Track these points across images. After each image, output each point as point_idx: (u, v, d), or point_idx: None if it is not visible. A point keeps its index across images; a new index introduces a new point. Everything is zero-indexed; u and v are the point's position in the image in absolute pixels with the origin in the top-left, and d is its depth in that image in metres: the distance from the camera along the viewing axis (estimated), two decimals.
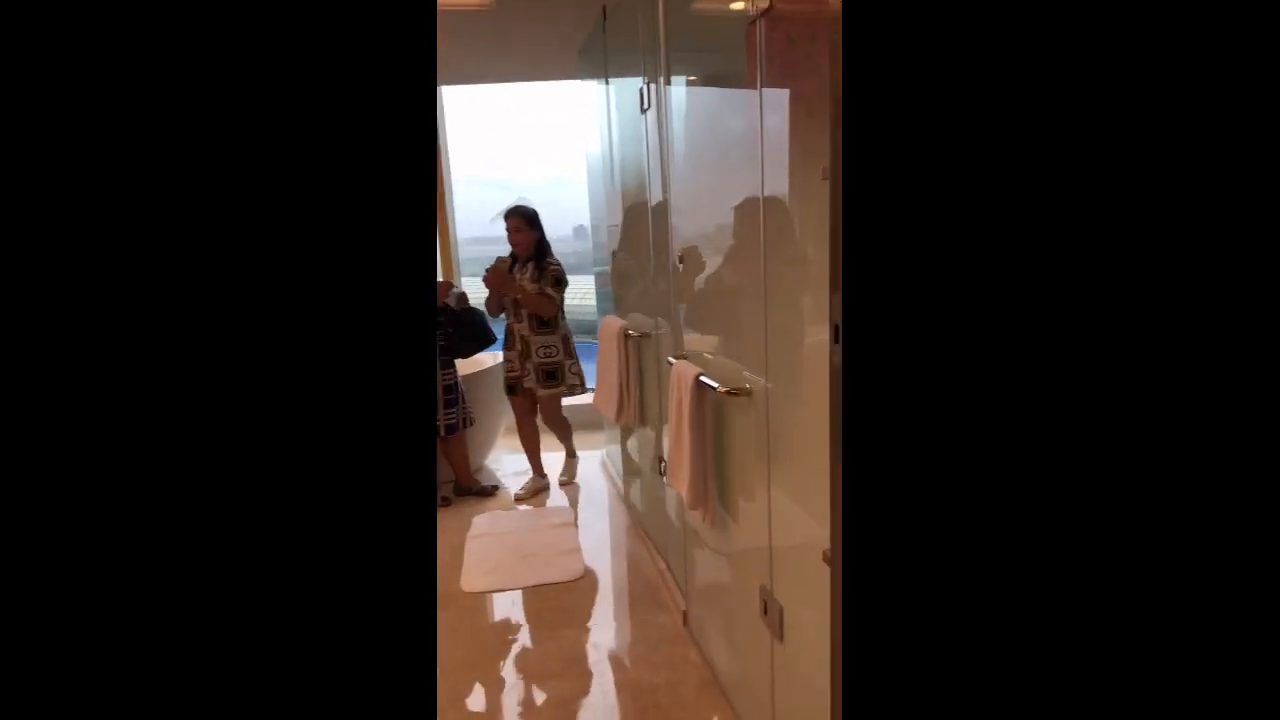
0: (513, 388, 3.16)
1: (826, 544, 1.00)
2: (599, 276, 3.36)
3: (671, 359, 1.80)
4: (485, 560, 2.58)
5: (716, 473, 1.63)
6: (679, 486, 1.68)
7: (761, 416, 1.35)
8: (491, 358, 3.52)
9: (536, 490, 3.25)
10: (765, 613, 1.43)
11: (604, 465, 3.61)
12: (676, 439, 1.67)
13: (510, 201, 3.06)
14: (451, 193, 4.21)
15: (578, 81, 3.36)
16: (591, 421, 3.77)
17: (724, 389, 1.44)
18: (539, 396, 3.12)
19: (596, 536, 2.79)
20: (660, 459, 2.24)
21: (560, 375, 3.12)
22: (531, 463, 3.32)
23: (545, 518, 2.95)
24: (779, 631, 1.37)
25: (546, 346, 3.07)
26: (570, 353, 3.14)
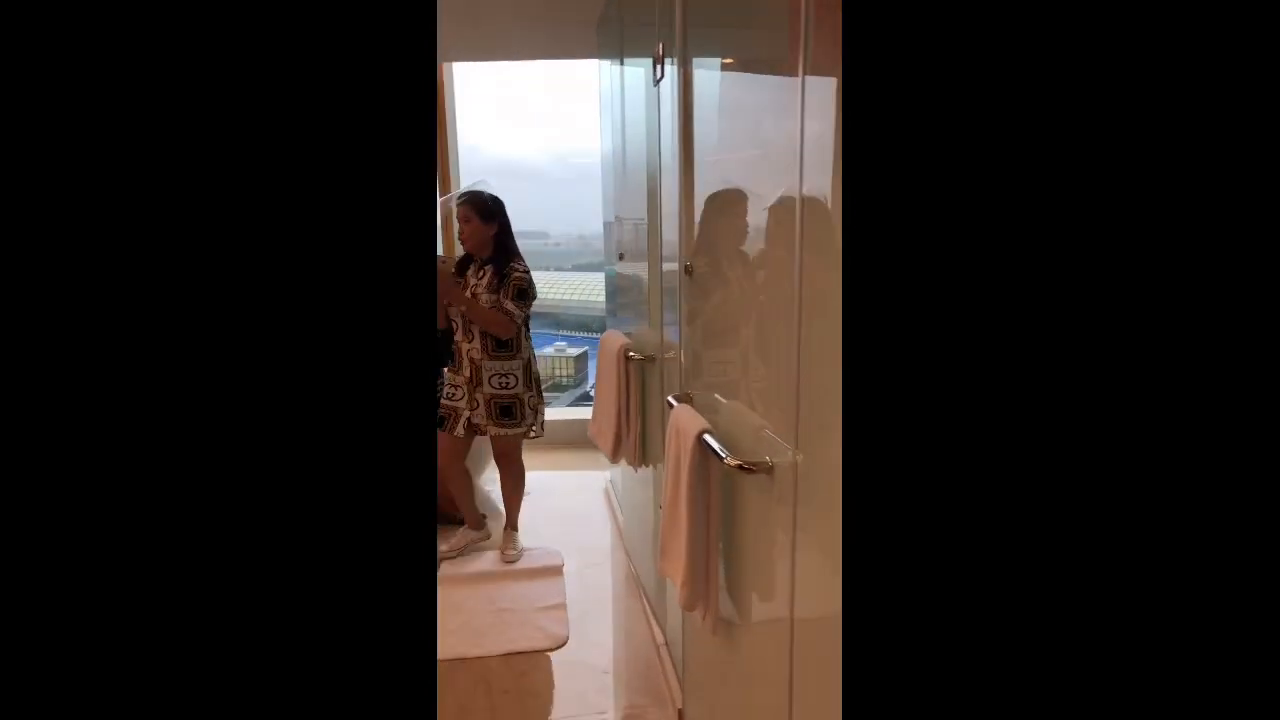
0: (443, 419, 2.43)
1: None
2: (610, 277, 2.94)
3: (672, 399, 1.38)
4: (445, 615, 2.18)
5: (725, 566, 1.20)
6: (672, 576, 1.26)
7: (787, 501, 0.93)
8: None
9: (472, 541, 2.61)
10: None
11: (607, 493, 3.19)
12: (671, 513, 1.25)
13: (471, 185, 2.39)
14: (458, 181, 3.82)
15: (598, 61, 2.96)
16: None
17: (734, 462, 1.01)
18: (492, 435, 2.45)
19: (589, 587, 2.37)
20: (661, 506, 1.82)
21: (518, 412, 2.41)
22: (466, 513, 2.61)
23: (525, 562, 2.54)
24: None
25: (502, 375, 2.37)
26: (531, 383, 2.44)
